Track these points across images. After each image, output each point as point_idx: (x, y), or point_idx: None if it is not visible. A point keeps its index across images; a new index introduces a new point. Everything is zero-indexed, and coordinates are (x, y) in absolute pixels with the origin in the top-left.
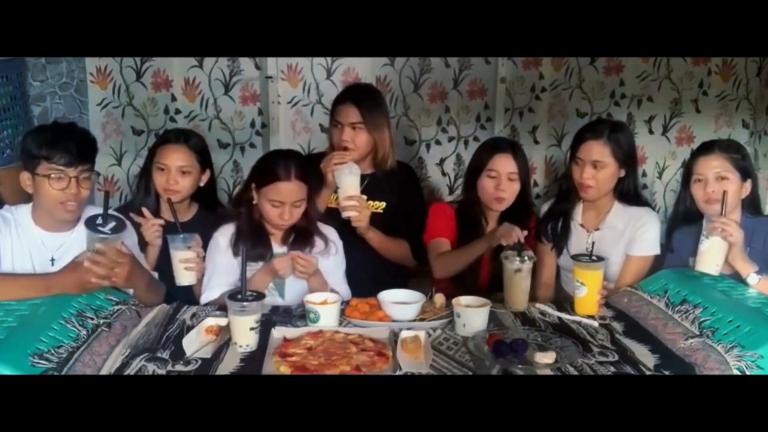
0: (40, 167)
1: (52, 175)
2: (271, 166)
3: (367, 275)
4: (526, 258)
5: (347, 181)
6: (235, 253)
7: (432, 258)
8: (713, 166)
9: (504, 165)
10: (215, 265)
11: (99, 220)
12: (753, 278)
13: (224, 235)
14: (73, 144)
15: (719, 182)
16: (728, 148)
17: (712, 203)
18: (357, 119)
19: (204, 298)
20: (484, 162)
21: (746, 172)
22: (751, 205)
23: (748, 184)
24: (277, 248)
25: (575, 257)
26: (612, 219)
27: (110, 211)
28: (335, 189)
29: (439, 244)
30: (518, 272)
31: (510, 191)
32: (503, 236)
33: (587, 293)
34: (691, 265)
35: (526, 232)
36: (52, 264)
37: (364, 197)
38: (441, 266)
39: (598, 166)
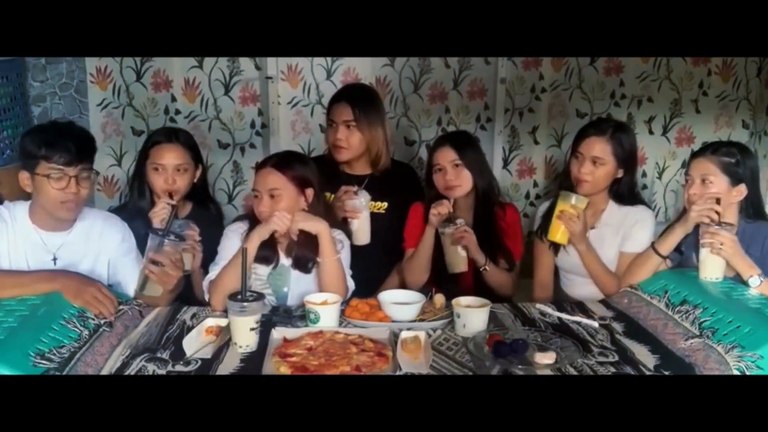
0: (40, 167)
1: (52, 175)
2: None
3: (368, 276)
4: (457, 223)
5: (364, 216)
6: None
7: (402, 270)
8: (700, 169)
9: (444, 156)
10: (225, 251)
11: (162, 231)
12: (755, 281)
13: (236, 231)
14: (72, 143)
15: (703, 185)
16: (721, 151)
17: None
18: (350, 117)
19: (207, 278)
20: (431, 160)
21: (737, 176)
22: (751, 209)
23: (742, 188)
24: (283, 257)
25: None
26: (607, 217)
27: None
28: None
29: (407, 255)
30: (444, 235)
31: (459, 179)
32: (435, 208)
33: (554, 219)
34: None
35: (447, 202)
36: (54, 263)
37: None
38: (407, 274)
39: (597, 162)
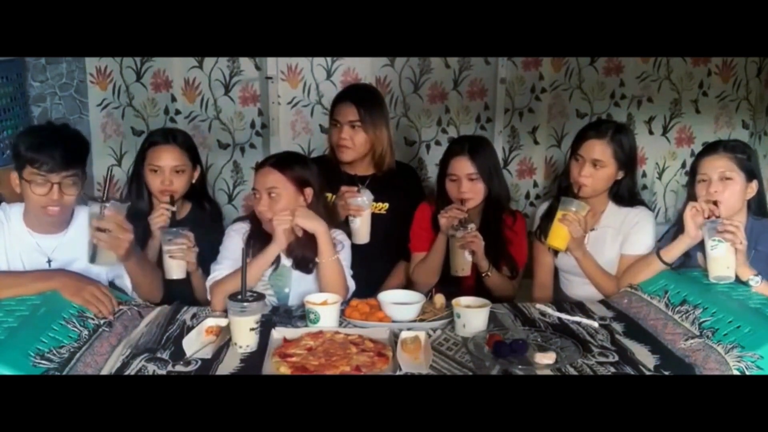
0: (25, 171)
1: (35, 181)
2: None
3: (368, 276)
4: (468, 228)
5: (366, 214)
6: (246, 253)
7: (411, 273)
8: (718, 166)
9: (461, 167)
10: (227, 250)
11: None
12: (755, 281)
13: (238, 231)
14: (57, 149)
15: (723, 182)
16: (734, 148)
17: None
18: (355, 118)
19: (211, 278)
20: (445, 165)
21: (752, 172)
22: (757, 206)
23: (754, 184)
24: (284, 258)
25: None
26: (607, 219)
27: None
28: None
29: (414, 258)
30: (454, 238)
31: (473, 192)
32: (448, 212)
33: (554, 224)
34: (702, 266)
35: (462, 208)
36: (49, 265)
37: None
38: (417, 277)
39: (597, 165)
